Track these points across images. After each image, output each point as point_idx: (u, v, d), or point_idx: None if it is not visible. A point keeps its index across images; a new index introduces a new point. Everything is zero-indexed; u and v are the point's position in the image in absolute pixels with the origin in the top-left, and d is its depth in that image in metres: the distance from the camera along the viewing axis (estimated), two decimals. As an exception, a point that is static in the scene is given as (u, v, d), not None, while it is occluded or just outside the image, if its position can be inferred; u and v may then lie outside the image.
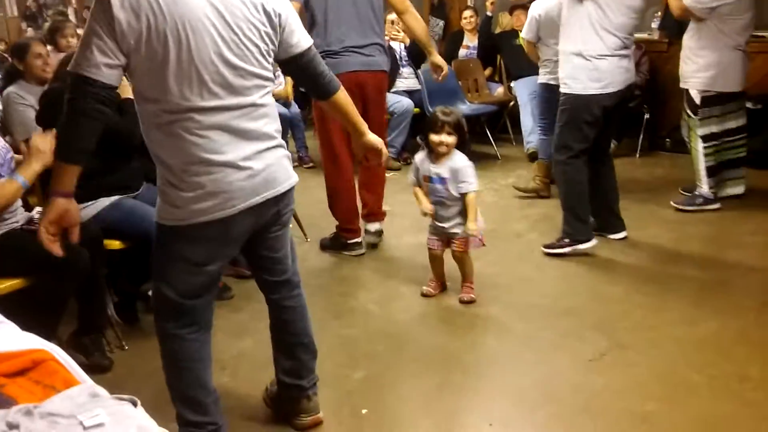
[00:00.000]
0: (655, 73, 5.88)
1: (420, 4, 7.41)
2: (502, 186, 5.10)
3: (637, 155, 5.77)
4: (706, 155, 4.35)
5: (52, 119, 2.63)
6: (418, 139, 3.30)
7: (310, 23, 3.62)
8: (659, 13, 5.97)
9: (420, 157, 3.22)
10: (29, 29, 11.22)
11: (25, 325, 1.82)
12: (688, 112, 4.40)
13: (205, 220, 1.86)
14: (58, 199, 1.79)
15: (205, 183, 1.83)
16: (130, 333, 3.00)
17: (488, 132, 6.20)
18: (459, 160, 3.11)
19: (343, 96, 2.12)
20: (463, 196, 3.10)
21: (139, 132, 1.92)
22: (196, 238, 1.90)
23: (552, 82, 4.30)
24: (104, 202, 2.87)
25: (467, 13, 6.85)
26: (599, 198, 3.83)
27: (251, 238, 2.03)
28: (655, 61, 5.89)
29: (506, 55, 6.47)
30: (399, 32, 5.60)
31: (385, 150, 2.28)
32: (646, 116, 5.78)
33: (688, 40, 4.29)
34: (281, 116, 2.21)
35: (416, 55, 5.77)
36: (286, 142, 2.11)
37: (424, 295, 3.30)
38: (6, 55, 5.68)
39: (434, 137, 3.09)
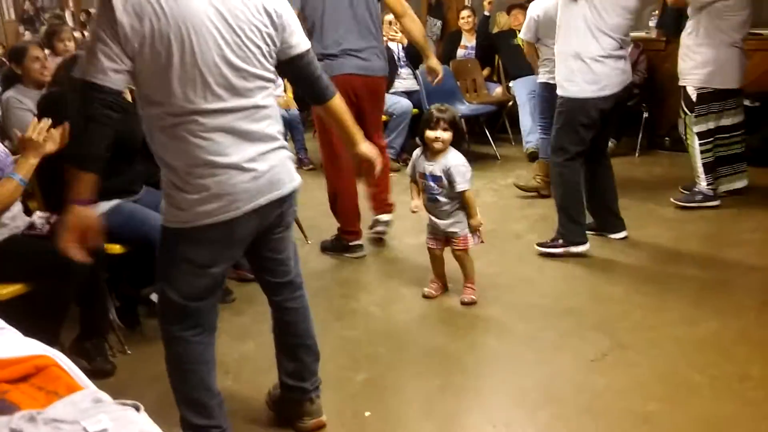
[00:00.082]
0: (653, 72, 5.88)
1: (417, 4, 7.41)
2: (502, 186, 5.09)
3: (636, 154, 5.77)
4: (702, 152, 4.36)
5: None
6: (417, 140, 3.29)
7: (307, 29, 3.61)
8: (657, 12, 5.98)
9: (418, 153, 3.22)
10: (26, 33, 11.23)
11: (27, 330, 1.83)
12: (685, 109, 4.41)
13: (209, 222, 1.86)
14: (74, 207, 1.80)
15: (209, 185, 1.83)
16: (132, 337, 3.00)
17: (487, 132, 6.20)
18: (453, 158, 3.10)
19: (338, 102, 2.12)
20: (460, 194, 3.10)
21: (140, 132, 1.91)
22: (200, 240, 1.90)
23: (552, 82, 4.29)
24: (104, 206, 2.85)
25: (465, 13, 6.84)
26: (597, 198, 3.83)
27: (255, 240, 2.03)
28: (653, 59, 5.89)
29: (504, 55, 6.44)
30: (397, 33, 5.59)
31: (379, 162, 2.20)
32: (645, 115, 5.78)
33: (686, 37, 4.29)
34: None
35: (414, 55, 5.73)
36: (286, 144, 2.11)
37: (425, 296, 3.30)
38: (3, 59, 5.67)
39: (430, 133, 3.09)
